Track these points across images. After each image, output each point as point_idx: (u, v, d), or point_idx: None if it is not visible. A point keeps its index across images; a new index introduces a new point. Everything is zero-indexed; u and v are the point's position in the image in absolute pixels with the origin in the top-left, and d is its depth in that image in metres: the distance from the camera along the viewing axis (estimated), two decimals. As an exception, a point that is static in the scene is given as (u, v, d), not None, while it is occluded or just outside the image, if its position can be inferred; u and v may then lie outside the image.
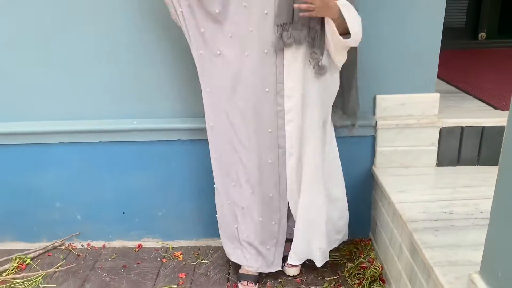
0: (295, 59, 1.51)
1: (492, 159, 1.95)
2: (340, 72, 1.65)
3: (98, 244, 2.19)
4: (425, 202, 1.67)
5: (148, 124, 1.96)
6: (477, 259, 1.26)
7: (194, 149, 2.01)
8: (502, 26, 4.03)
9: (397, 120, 1.92)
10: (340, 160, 1.96)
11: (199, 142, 1.99)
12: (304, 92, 1.56)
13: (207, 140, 1.97)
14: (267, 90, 1.55)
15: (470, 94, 2.32)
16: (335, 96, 1.69)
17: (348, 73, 1.71)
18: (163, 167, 2.05)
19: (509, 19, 4.01)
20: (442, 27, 1.85)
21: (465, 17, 3.97)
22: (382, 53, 1.89)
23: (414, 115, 1.95)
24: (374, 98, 1.96)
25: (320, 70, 1.53)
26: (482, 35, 3.93)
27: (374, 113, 1.97)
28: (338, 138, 1.94)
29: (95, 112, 1.99)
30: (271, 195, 1.70)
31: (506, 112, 1.98)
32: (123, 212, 2.14)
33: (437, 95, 1.94)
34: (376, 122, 1.93)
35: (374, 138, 1.97)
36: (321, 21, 1.47)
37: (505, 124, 1.90)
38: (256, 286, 1.81)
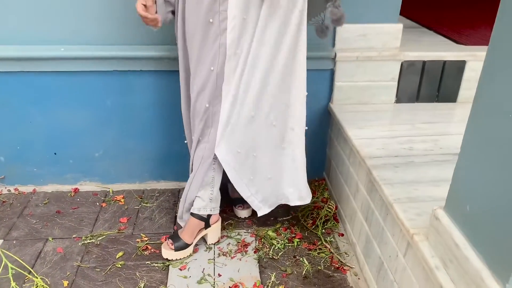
0: None
1: (451, 96, 1.89)
2: None
3: (27, 188, 1.95)
4: (384, 139, 1.58)
5: (78, 52, 1.69)
6: (439, 195, 1.19)
7: (134, 82, 1.77)
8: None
9: (357, 52, 1.78)
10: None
11: (139, 74, 1.75)
12: (250, 18, 1.34)
13: (149, 71, 1.76)
14: (210, 20, 1.33)
15: (431, 29, 2.21)
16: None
17: None
18: (98, 102, 1.81)
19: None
20: None
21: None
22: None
23: (375, 47, 1.82)
24: (334, 28, 1.79)
25: None
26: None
27: (333, 45, 1.82)
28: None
29: (14, 35, 1.68)
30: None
31: (468, 47, 1.90)
32: (55, 153, 1.90)
33: (400, 25, 1.80)
34: (335, 54, 1.78)
35: (332, 72, 1.83)
36: None
37: (466, 58, 1.82)
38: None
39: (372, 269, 1.42)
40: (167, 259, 1.56)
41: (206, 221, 1.60)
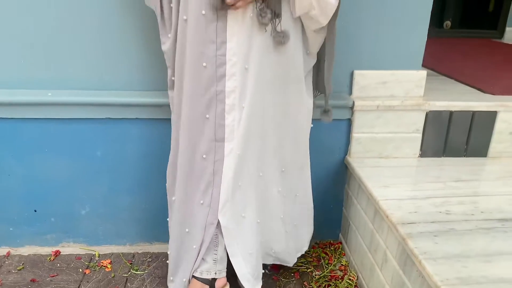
0: (240, 22, 1.12)
1: (481, 150, 1.70)
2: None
3: (1, 251, 1.70)
4: (415, 200, 1.37)
5: (67, 97, 1.51)
6: (494, 274, 0.98)
7: (129, 130, 1.58)
8: (465, 15, 3.92)
9: (378, 101, 1.61)
10: (309, 147, 1.64)
11: (135, 122, 1.57)
12: (252, 67, 1.17)
13: (146, 119, 1.57)
14: (204, 65, 1.16)
15: (451, 78, 2.06)
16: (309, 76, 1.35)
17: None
18: (87, 152, 1.60)
19: (471, 10, 3.90)
20: (433, -9, 1.56)
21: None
22: (362, 20, 1.56)
23: (397, 95, 1.65)
24: (352, 74, 1.63)
25: (279, 37, 1.14)
26: (448, 23, 3.77)
27: (350, 92, 1.65)
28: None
29: (-7, 78, 1.51)
30: (201, 202, 1.31)
31: (497, 97, 1.74)
32: (35, 210, 1.67)
33: (424, 72, 1.64)
34: (353, 103, 1.60)
35: (349, 122, 1.65)
36: None
37: (497, 109, 1.65)
38: None
39: None
40: None
41: (211, 284, 1.35)
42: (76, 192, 1.65)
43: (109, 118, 1.55)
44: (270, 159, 1.35)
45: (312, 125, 1.45)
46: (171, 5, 1.19)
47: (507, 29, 3.71)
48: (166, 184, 1.41)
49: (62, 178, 1.63)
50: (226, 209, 1.28)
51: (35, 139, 1.57)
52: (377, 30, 1.57)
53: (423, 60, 1.65)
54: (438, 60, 2.50)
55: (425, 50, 1.63)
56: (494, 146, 1.69)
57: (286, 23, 1.16)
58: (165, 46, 1.26)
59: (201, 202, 1.30)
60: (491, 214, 1.29)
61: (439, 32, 3.72)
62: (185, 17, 1.14)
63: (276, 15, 1.12)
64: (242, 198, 1.30)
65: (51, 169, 1.61)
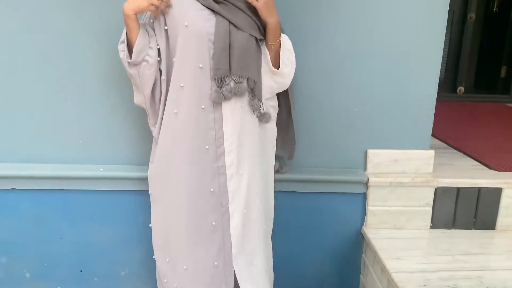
0: (233, 110, 1.39)
1: (488, 223, 1.83)
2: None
3: (48, 307, 1.89)
4: (425, 273, 1.50)
5: (116, 172, 1.74)
6: None
7: (167, 201, 1.79)
8: (478, 81, 4.10)
9: (390, 178, 1.78)
10: (328, 218, 1.82)
11: (173, 194, 1.77)
12: (245, 143, 1.43)
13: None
14: (207, 147, 1.40)
15: (460, 151, 2.23)
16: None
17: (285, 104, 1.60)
18: (130, 220, 1.81)
19: (484, 75, 4.09)
20: (438, 79, 1.76)
21: (444, 71, 4.00)
22: (375, 105, 1.77)
23: (408, 172, 1.82)
24: (366, 153, 1.82)
25: (263, 118, 1.45)
26: (461, 89, 3.96)
27: (365, 169, 1.83)
28: (327, 194, 1.80)
29: (53, 155, 1.76)
30: (216, 263, 1.49)
31: (502, 173, 1.89)
32: (81, 271, 1.87)
33: (432, 152, 1.82)
34: (368, 179, 1.78)
35: (365, 196, 1.82)
36: (257, 70, 1.40)
37: (502, 186, 1.79)
38: None
39: None
40: None
41: None
42: (117, 255, 1.85)
43: (151, 190, 1.77)
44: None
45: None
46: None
47: (520, 94, 3.88)
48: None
49: (106, 242, 1.83)
50: (239, 259, 1.46)
51: (86, 207, 1.79)
52: (389, 115, 1.78)
53: (435, 130, 1.83)
54: (450, 128, 2.67)
55: (438, 117, 1.83)
56: (501, 219, 1.82)
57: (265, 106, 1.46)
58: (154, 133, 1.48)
59: (215, 263, 1.47)
60: (495, 289, 1.41)
61: (453, 97, 3.91)
62: (175, 111, 1.38)
63: (260, 101, 1.42)
64: (250, 247, 1.48)
65: (97, 234, 1.82)
